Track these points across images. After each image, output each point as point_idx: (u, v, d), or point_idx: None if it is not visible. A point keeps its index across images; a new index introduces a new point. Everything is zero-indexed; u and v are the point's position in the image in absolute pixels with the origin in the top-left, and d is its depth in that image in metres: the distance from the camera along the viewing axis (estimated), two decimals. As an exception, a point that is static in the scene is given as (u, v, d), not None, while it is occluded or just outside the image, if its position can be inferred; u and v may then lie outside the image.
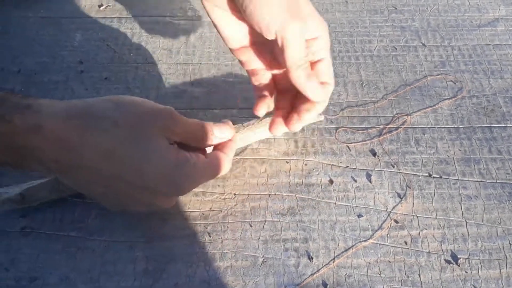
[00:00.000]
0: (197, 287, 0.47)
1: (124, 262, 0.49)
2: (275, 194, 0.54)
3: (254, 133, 0.55)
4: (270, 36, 0.46)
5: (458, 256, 0.49)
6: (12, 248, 0.50)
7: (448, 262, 0.49)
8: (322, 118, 0.58)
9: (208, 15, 0.50)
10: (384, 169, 0.56)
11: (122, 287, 0.47)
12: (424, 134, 0.59)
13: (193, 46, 0.68)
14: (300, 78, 0.47)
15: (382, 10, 0.74)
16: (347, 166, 0.56)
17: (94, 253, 0.49)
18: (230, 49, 0.52)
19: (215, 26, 0.51)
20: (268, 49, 0.51)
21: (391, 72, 0.65)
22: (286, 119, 0.52)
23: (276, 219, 0.52)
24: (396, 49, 0.68)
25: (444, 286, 0.47)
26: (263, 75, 0.53)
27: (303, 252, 0.50)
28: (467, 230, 0.51)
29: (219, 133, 0.49)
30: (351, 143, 0.58)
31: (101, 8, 0.72)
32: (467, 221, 0.52)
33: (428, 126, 0.59)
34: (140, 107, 0.44)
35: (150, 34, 0.70)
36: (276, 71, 0.53)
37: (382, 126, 0.59)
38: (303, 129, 0.59)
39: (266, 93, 0.53)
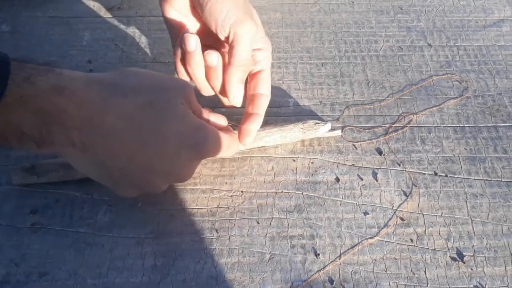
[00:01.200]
0: (205, 283, 0.48)
1: (133, 258, 0.49)
2: (282, 191, 0.54)
3: (267, 135, 0.56)
4: (223, 32, 0.50)
5: (464, 254, 0.50)
6: (22, 243, 0.50)
7: (453, 259, 0.49)
8: (339, 133, 0.58)
9: (163, 15, 0.53)
10: (390, 168, 0.56)
11: (131, 283, 0.48)
12: (430, 133, 0.59)
13: (200, 46, 0.69)
14: (233, 77, 0.51)
15: (388, 11, 0.74)
16: (353, 165, 0.56)
17: (103, 249, 0.50)
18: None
19: (167, 26, 0.54)
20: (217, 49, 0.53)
21: (397, 72, 0.66)
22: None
23: (283, 216, 0.52)
24: (402, 49, 0.69)
25: (449, 283, 0.48)
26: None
27: (310, 248, 0.50)
28: (473, 228, 0.51)
29: (214, 119, 0.51)
30: (357, 141, 0.58)
31: (110, 8, 0.73)
32: (473, 219, 0.52)
33: (434, 125, 0.60)
34: (160, 77, 0.46)
35: (158, 34, 0.70)
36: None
37: (388, 125, 0.60)
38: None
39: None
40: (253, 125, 0.52)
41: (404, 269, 0.49)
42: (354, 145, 0.58)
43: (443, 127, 0.60)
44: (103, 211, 0.52)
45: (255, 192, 0.54)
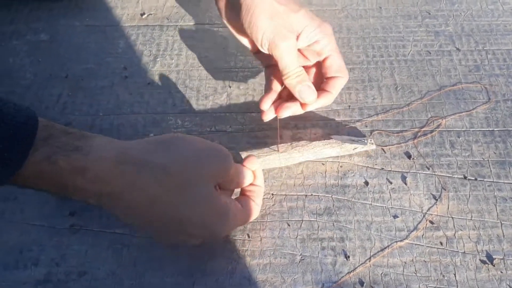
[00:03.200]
0: (238, 283, 0.49)
1: (168, 259, 0.51)
2: (312, 194, 0.55)
3: (301, 154, 0.57)
4: (265, 49, 0.54)
5: (494, 257, 0.50)
6: (62, 244, 0.53)
7: (483, 262, 0.50)
8: (373, 147, 0.58)
9: (228, 27, 0.58)
10: (419, 171, 0.57)
11: (166, 282, 0.49)
12: (459, 137, 0.59)
13: (231, 53, 0.70)
14: (291, 85, 0.54)
15: (416, 16, 0.75)
16: (382, 168, 0.57)
17: (140, 250, 0.52)
18: (250, 52, 0.59)
19: (235, 36, 0.58)
20: None
21: (426, 76, 0.66)
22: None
23: (313, 219, 0.53)
24: (430, 53, 0.69)
25: (479, 286, 0.48)
26: (274, 70, 0.57)
27: (340, 251, 0.51)
28: (502, 231, 0.52)
29: (244, 175, 0.50)
30: (386, 145, 0.59)
31: (143, 16, 0.76)
32: (502, 222, 0.52)
33: (463, 129, 0.60)
34: (198, 148, 0.45)
35: (190, 41, 0.72)
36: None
37: (417, 129, 0.60)
38: (338, 133, 0.60)
39: (273, 87, 0.57)
40: (322, 100, 0.56)
41: (434, 272, 0.49)
42: (383, 149, 0.59)
43: (472, 131, 0.60)
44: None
45: (285, 195, 0.56)
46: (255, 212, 0.50)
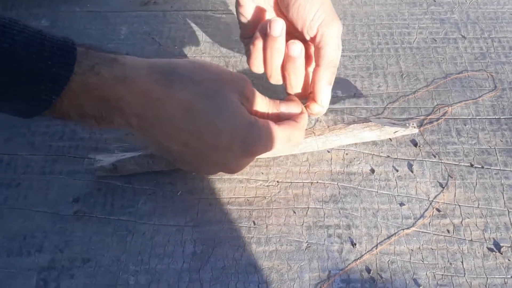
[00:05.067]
0: (244, 270, 0.49)
1: (173, 245, 0.51)
2: (317, 182, 0.55)
3: (339, 138, 0.55)
4: (310, 33, 0.50)
5: (501, 245, 0.50)
6: (66, 231, 0.52)
7: (490, 250, 0.49)
8: (416, 131, 0.57)
9: (239, 3, 0.52)
10: (426, 159, 0.56)
11: (172, 270, 0.49)
12: (465, 125, 0.59)
13: (235, 40, 0.70)
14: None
15: (421, 3, 0.74)
16: (388, 156, 0.57)
17: (144, 237, 0.51)
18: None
19: (240, 16, 0.53)
20: None
21: (431, 64, 0.66)
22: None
23: (319, 206, 0.53)
24: (435, 41, 0.69)
25: (487, 274, 0.48)
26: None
27: (346, 238, 0.51)
28: (510, 219, 0.51)
29: (285, 109, 0.51)
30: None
31: (145, 2, 0.75)
32: (509, 210, 0.52)
33: (469, 117, 0.60)
34: (218, 69, 0.47)
35: (193, 28, 0.71)
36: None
37: (423, 117, 0.60)
38: (343, 120, 0.60)
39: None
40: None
41: (441, 259, 0.49)
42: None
43: (479, 119, 0.60)
44: (143, 199, 0.54)
45: (291, 182, 0.55)
46: (295, 132, 0.49)
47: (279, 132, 0.48)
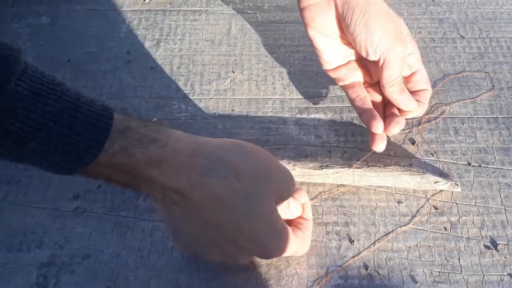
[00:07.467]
0: (242, 267, 0.49)
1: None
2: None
3: (377, 175, 0.54)
4: (374, 58, 0.52)
5: (498, 242, 0.50)
6: (66, 227, 0.52)
7: (487, 247, 0.50)
8: (458, 189, 0.53)
9: (311, 42, 0.56)
10: (424, 158, 0.57)
11: (171, 265, 0.49)
12: (463, 124, 0.59)
13: (234, 38, 0.70)
14: (394, 94, 0.54)
15: (420, 3, 0.75)
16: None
17: (144, 233, 0.52)
18: (326, 70, 0.58)
19: (317, 50, 0.56)
20: (362, 66, 0.57)
21: (430, 63, 0.66)
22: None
23: (317, 204, 0.53)
24: (434, 40, 0.69)
25: (483, 271, 0.48)
26: (359, 87, 0.57)
27: (344, 235, 0.51)
28: (506, 217, 0.52)
29: (293, 208, 0.49)
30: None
31: (146, 0, 0.75)
32: (506, 208, 0.53)
33: (467, 116, 0.60)
34: (269, 164, 0.44)
35: (193, 26, 0.72)
36: (368, 83, 0.58)
37: (421, 116, 0.60)
38: (342, 119, 0.60)
39: (368, 105, 0.55)
40: (419, 110, 0.56)
41: (438, 257, 0.49)
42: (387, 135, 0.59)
43: (476, 118, 0.60)
44: (143, 197, 0.54)
45: (290, 180, 0.55)
46: (306, 244, 0.48)
47: (296, 242, 0.46)
